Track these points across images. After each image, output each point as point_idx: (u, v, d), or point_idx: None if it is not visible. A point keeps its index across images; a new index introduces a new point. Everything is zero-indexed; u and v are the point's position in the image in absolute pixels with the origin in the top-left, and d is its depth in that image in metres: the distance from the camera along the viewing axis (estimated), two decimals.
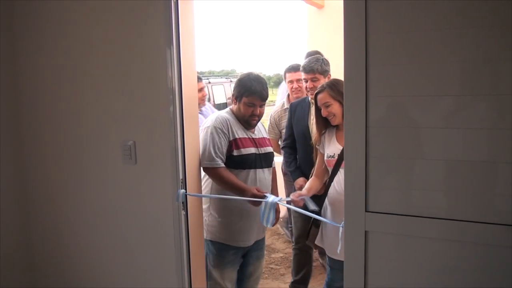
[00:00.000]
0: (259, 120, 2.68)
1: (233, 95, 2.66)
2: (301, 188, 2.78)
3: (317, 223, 2.58)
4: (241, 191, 2.47)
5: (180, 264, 2.30)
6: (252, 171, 2.59)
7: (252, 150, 2.60)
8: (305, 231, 3.16)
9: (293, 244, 3.32)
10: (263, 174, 2.65)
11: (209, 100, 13.57)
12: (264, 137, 2.74)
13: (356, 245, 1.82)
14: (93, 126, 2.42)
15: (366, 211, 1.79)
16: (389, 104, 1.73)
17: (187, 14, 2.29)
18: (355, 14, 1.71)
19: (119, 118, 2.34)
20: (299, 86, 3.43)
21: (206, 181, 2.66)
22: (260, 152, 2.65)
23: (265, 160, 2.68)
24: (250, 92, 2.55)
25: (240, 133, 2.60)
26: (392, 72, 1.70)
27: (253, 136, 2.67)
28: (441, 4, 1.61)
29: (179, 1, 2.15)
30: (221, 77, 15.29)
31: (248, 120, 2.61)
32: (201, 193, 2.62)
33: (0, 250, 2.49)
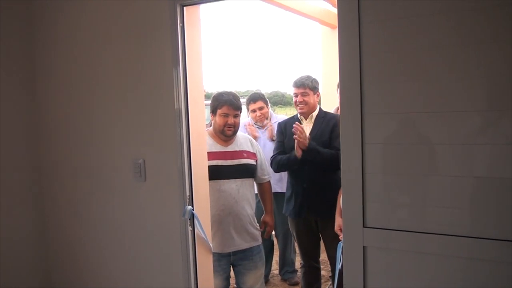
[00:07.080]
0: (235, 131, 2.84)
1: (210, 112, 2.89)
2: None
3: None
4: None
5: (187, 279, 2.35)
6: (218, 181, 2.74)
7: (214, 162, 2.74)
8: (312, 248, 3.17)
9: (301, 262, 3.31)
10: (230, 185, 2.77)
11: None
12: (242, 150, 2.87)
13: (355, 261, 1.84)
14: (105, 144, 2.53)
15: (364, 226, 1.81)
16: (385, 121, 1.76)
17: (194, 36, 2.38)
18: (349, 33, 1.77)
19: (130, 137, 2.44)
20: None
21: None
22: (230, 164, 2.79)
23: (236, 171, 2.80)
24: (221, 102, 2.80)
25: (213, 147, 2.78)
26: (387, 89, 1.74)
27: (226, 150, 2.82)
28: (436, 22, 1.65)
29: (185, 24, 2.25)
30: None
31: (223, 130, 2.81)
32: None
33: (20, 263, 2.63)
